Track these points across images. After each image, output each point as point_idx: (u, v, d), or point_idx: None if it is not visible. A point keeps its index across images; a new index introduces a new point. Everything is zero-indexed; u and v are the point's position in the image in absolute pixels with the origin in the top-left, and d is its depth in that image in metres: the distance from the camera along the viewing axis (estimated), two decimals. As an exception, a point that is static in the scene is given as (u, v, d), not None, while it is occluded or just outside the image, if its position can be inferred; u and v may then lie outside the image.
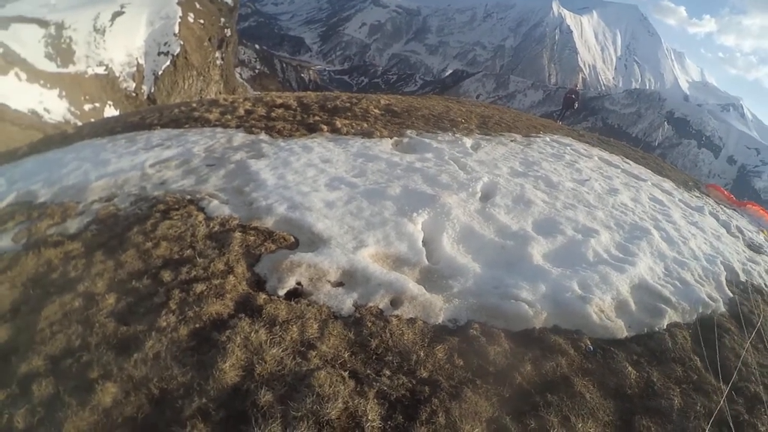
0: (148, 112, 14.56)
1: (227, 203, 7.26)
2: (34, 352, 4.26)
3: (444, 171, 9.52)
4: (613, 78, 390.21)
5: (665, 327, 6.06)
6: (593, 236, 7.84)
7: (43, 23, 61.26)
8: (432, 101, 19.38)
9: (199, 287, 5.05)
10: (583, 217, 8.63)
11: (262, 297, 5.07)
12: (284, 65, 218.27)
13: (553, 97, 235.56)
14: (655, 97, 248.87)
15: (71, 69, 61.61)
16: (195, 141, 10.25)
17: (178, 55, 71.85)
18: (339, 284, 5.60)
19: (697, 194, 15.10)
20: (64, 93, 58.46)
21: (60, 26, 62.62)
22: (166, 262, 5.62)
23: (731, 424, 4.57)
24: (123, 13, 69.89)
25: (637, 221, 9.24)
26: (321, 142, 10.52)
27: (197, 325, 4.52)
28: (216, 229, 6.41)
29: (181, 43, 72.42)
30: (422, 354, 4.62)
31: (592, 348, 5.30)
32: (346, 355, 4.42)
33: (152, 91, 68.75)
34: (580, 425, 4.10)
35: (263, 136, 10.84)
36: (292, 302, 5.07)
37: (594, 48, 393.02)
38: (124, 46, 67.93)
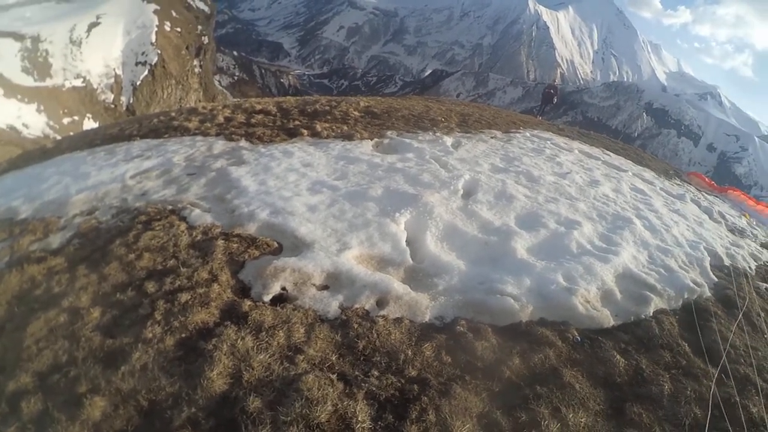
0: (127, 123, 14.45)
1: (209, 211, 7.22)
2: (22, 369, 4.22)
3: (425, 170, 9.53)
4: (591, 72, 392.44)
5: (652, 314, 6.10)
6: (576, 228, 7.88)
7: (18, 37, 60.75)
8: (412, 102, 19.41)
9: (184, 297, 5.02)
10: (565, 210, 8.69)
11: (247, 304, 5.05)
12: (263, 71, 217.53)
13: (533, 93, 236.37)
14: (634, 89, 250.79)
15: (48, 82, 61.20)
16: (175, 150, 10.18)
17: (155, 64, 71.56)
18: (324, 287, 5.59)
19: (678, 182, 15.26)
20: (42, 107, 58.05)
21: (36, 39, 62.15)
22: (150, 273, 5.58)
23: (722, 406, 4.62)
24: (99, 23, 69.46)
25: (619, 211, 9.31)
26: (302, 147, 10.50)
27: (183, 335, 4.50)
28: (199, 237, 6.37)
29: (159, 52, 72.15)
30: (410, 353, 4.63)
31: (579, 338, 5.33)
32: (333, 358, 4.41)
33: (131, 101, 68.41)
34: (571, 416, 4.12)
35: (243, 142, 10.80)
36: (278, 307, 5.06)
37: (571, 43, 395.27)
38: (101, 57, 67.55)
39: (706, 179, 17.31)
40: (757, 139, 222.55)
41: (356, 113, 14.19)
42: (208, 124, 12.32)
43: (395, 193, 8.13)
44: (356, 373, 4.26)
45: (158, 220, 6.85)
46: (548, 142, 14.88)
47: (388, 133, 12.40)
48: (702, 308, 6.52)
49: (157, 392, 3.86)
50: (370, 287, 5.56)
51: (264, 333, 4.57)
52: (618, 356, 5.13)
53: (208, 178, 8.50)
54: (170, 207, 7.35)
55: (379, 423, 3.76)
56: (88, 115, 62.62)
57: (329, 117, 13.50)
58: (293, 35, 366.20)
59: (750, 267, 8.96)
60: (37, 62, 61.02)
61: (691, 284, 7.02)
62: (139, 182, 8.46)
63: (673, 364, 5.25)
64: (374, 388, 4.07)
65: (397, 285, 5.68)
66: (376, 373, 4.27)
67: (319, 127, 12.08)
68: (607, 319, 5.76)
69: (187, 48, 78.35)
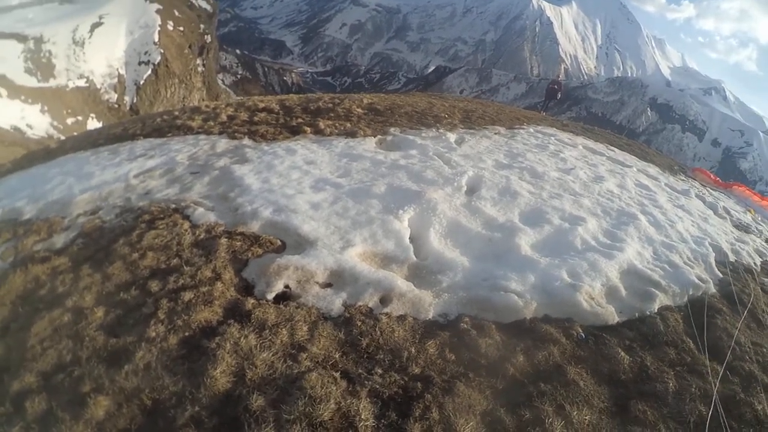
0: (130, 123, 14.47)
1: (212, 210, 7.22)
2: (26, 369, 4.23)
3: (429, 167, 9.50)
4: (595, 67, 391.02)
5: (656, 311, 6.09)
6: (580, 224, 7.86)
7: (21, 38, 60.83)
8: (415, 98, 19.37)
9: (187, 295, 5.02)
10: (569, 206, 8.66)
11: (250, 302, 5.05)
12: (266, 69, 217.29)
13: (536, 89, 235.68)
14: (638, 84, 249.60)
15: (52, 83, 61.26)
16: (178, 149, 10.19)
17: (159, 63, 71.57)
18: (327, 285, 5.59)
19: (683, 178, 15.20)
20: (46, 108, 58.14)
21: (39, 40, 62.21)
22: (154, 272, 5.59)
23: (719, 403, 4.60)
24: (102, 24, 69.48)
25: (623, 207, 9.28)
26: (305, 144, 10.48)
27: (187, 334, 4.50)
28: (202, 236, 6.38)
29: (162, 51, 72.13)
30: (413, 350, 4.62)
31: (583, 335, 5.32)
32: (337, 356, 4.41)
33: (134, 101, 68.46)
34: (575, 413, 4.11)
35: (246, 141, 10.79)
36: (281, 305, 5.06)
37: (575, 38, 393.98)
38: (104, 58, 67.59)
39: (711, 175, 17.23)
40: (761, 134, 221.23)
41: (359, 110, 14.17)
42: (211, 123, 12.32)
43: (398, 190, 8.11)
44: (359, 371, 4.25)
45: (161, 219, 6.86)
46: (552, 138, 14.84)
47: (392, 130, 12.37)
48: (707, 305, 6.49)
49: (161, 391, 3.87)
50: (374, 285, 5.56)
51: (267, 331, 4.57)
52: (622, 353, 5.11)
53: (212, 177, 8.50)
54: (173, 206, 7.36)
55: (383, 421, 3.75)
56: (91, 115, 62.70)
57: (332, 114, 13.49)
58: (296, 33, 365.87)
59: (755, 263, 8.91)
60: (40, 63, 61.10)
61: (696, 280, 6.99)
62: (142, 181, 8.47)
63: (678, 361, 5.24)
64: (377, 386, 4.07)
65: (400, 282, 5.67)
66: (379, 370, 4.27)
67: (322, 125, 12.07)
68: (612, 315, 5.74)
69: (189, 47, 78.33)
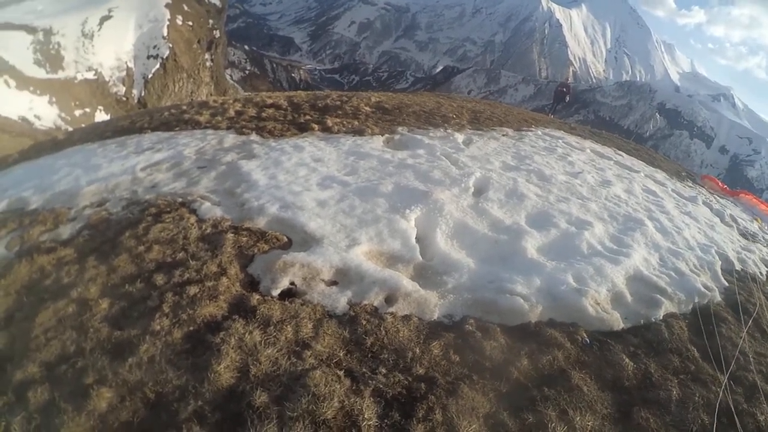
0: (138, 116, 14.49)
1: (219, 205, 7.22)
2: (29, 359, 4.22)
3: (436, 167, 9.49)
4: (604, 71, 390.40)
5: (661, 318, 6.05)
6: (587, 228, 7.83)
7: (30, 29, 61.04)
8: (423, 98, 19.35)
9: (193, 290, 5.02)
10: (576, 210, 8.63)
11: (255, 298, 5.04)
12: (274, 65, 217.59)
13: (544, 91, 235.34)
14: (646, 89, 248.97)
15: (60, 75, 61.44)
16: (186, 143, 10.20)
17: (167, 57, 71.68)
18: (333, 283, 5.58)
19: (690, 184, 15.15)
20: (54, 99, 58.31)
21: (48, 32, 62.41)
22: (159, 266, 5.58)
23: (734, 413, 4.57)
24: (111, 17, 69.65)
25: (630, 212, 9.25)
26: (312, 141, 10.49)
27: (191, 328, 4.49)
28: (208, 231, 6.37)
29: (170, 45, 72.23)
30: (418, 351, 4.60)
31: (588, 341, 5.30)
32: (341, 354, 4.40)
33: (142, 94, 68.60)
34: (578, 419, 4.09)
35: (254, 136, 10.80)
36: (286, 302, 5.05)
37: (584, 41, 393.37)
38: (113, 51, 67.73)
39: (719, 183, 17.18)
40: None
41: (367, 109, 14.18)
42: (219, 118, 12.34)
43: (405, 190, 8.10)
44: (363, 370, 4.24)
45: (168, 212, 6.86)
46: (560, 140, 14.82)
47: (399, 129, 12.36)
48: (712, 313, 6.46)
49: (164, 385, 3.86)
50: (379, 284, 5.54)
51: (272, 327, 4.56)
52: (627, 360, 5.09)
53: (219, 172, 8.50)
54: (180, 200, 7.36)
55: (386, 421, 3.74)
56: (99, 107, 62.84)
57: (340, 112, 13.50)
58: (304, 30, 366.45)
59: (761, 272, 8.87)
60: (49, 55, 61.27)
61: (702, 288, 6.96)
62: (149, 174, 8.48)
63: (682, 369, 5.21)
64: (381, 386, 4.06)
65: (406, 282, 5.65)
66: (383, 370, 4.26)
67: (329, 122, 12.08)
68: (617, 321, 5.72)
69: (198, 42, 78.42)
